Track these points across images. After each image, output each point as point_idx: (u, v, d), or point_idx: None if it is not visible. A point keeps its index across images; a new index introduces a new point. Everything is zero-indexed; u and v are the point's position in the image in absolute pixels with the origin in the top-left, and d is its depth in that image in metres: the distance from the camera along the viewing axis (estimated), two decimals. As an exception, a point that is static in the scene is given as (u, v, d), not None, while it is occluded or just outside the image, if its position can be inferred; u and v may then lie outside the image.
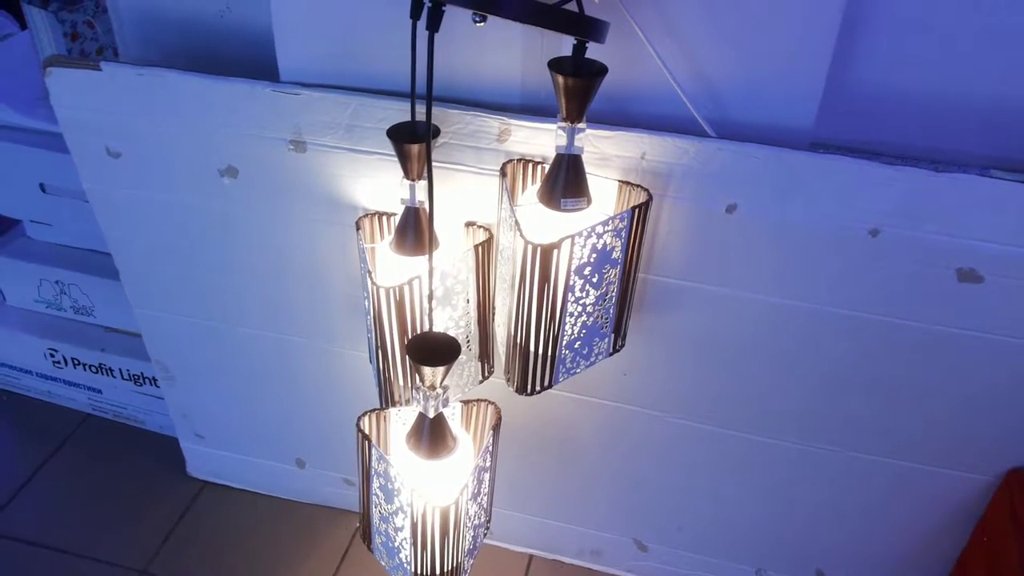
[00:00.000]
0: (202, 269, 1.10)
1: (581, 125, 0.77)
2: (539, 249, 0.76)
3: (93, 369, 1.43)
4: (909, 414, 0.98)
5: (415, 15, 0.77)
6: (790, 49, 0.81)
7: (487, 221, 0.94)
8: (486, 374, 1.01)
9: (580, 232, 0.78)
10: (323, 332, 1.12)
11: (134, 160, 1.01)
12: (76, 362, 1.43)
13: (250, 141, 0.95)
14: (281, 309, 1.11)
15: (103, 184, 1.04)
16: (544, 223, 0.81)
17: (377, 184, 0.95)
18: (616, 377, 1.04)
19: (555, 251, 0.77)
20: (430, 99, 0.72)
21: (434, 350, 0.82)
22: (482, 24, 0.71)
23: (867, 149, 0.93)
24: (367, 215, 0.95)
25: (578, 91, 0.75)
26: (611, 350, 0.93)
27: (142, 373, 1.41)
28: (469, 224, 0.94)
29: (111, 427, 1.49)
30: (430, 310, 0.82)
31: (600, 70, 0.75)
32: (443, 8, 0.66)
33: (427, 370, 0.82)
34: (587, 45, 0.74)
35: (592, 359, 0.91)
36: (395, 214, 0.96)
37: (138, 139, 0.99)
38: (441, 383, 0.84)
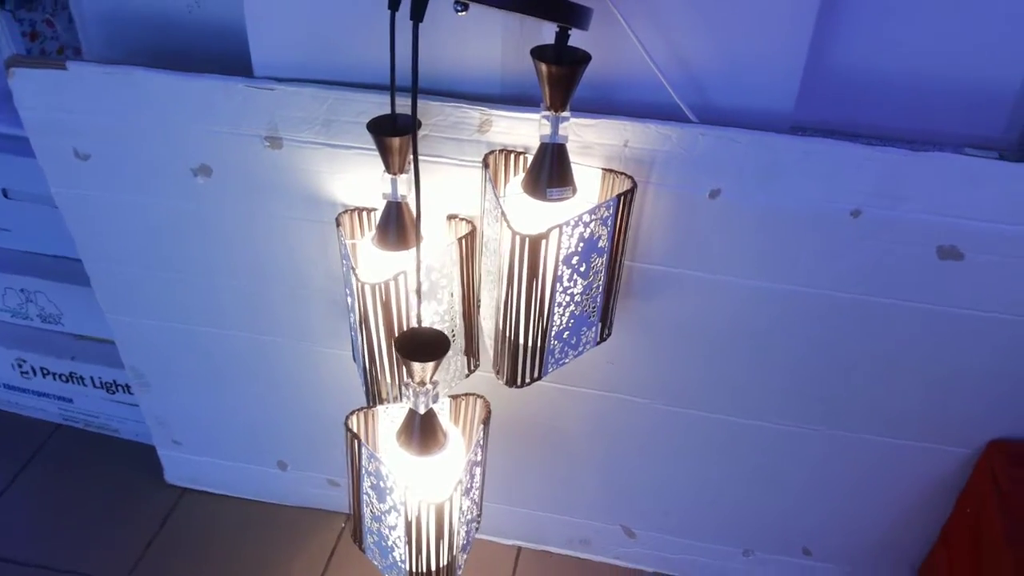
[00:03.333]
0: (177, 271, 1.07)
1: (565, 114, 0.77)
2: (527, 240, 0.76)
3: (63, 378, 1.40)
4: (891, 391, 0.99)
5: (393, 6, 0.76)
6: (770, 32, 0.81)
7: (469, 213, 0.93)
8: (472, 368, 1.01)
9: (567, 221, 0.78)
10: (303, 331, 1.11)
11: (104, 162, 0.98)
12: (45, 372, 1.40)
13: (224, 139, 0.93)
14: (260, 309, 1.09)
15: (72, 188, 1.01)
16: (530, 213, 0.81)
17: (356, 179, 0.93)
18: (601, 366, 1.04)
19: (543, 241, 0.77)
20: (415, 91, 0.71)
21: (423, 345, 0.81)
22: (463, 13, 0.70)
23: (845, 131, 0.94)
24: (347, 211, 0.93)
25: (562, 79, 0.74)
26: (598, 339, 0.93)
27: (114, 380, 1.38)
28: (451, 217, 0.94)
29: (83, 437, 1.46)
30: (418, 305, 0.81)
31: (583, 58, 0.74)
32: (427, -2, 0.65)
33: (416, 366, 0.81)
34: (569, 33, 0.74)
35: (580, 349, 0.91)
36: (375, 209, 0.95)
37: (107, 140, 0.96)
38: (431, 379, 0.83)
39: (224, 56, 0.99)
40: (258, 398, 1.21)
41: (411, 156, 0.83)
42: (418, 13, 0.65)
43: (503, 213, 0.78)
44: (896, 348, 0.94)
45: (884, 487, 1.09)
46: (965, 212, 0.83)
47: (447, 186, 0.91)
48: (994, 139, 0.94)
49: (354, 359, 1.03)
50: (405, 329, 0.88)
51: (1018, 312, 0.88)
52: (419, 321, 0.83)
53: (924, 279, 0.88)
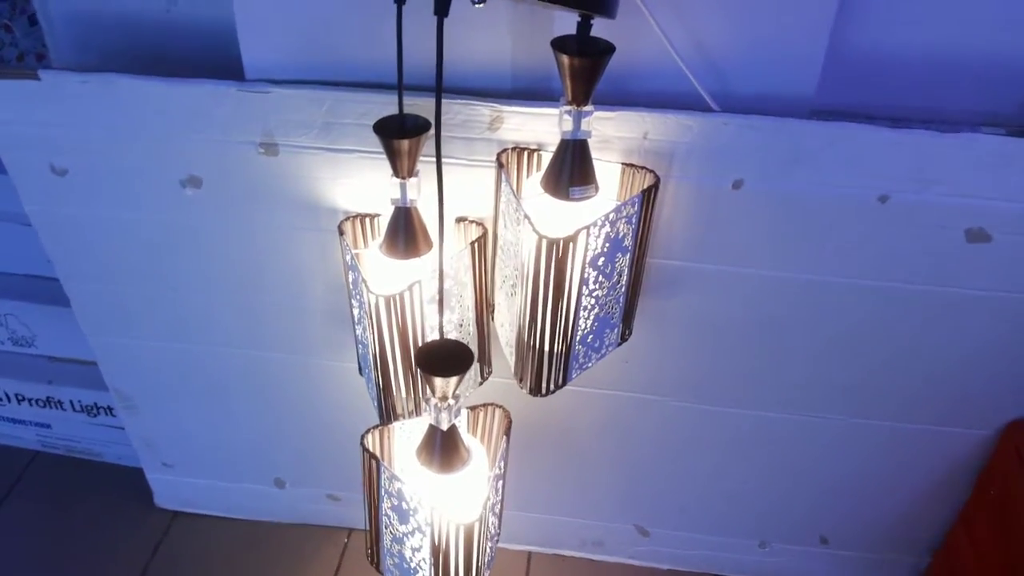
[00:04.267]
0: (165, 288, 1.01)
1: (588, 108, 0.73)
2: (557, 243, 0.72)
3: (40, 403, 1.33)
4: (911, 376, 0.97)
5: (400, -1, 0.72)
6: (793, 14, 0.77)
7: (479, 215, 0.89)
8: (485, 376, 0.97)
9: (594, 222, 0.74)
10: (301, 344, 1.05)
11: (83, 176, 0.92)
12: (21, 397, 1.32)
13: (215, 147, 0.87)
14: (255, 324, 1.04)
15: (48, 205, 0.95)
16: (551, 214, 0.77)
17: (359, 184, 0.88)
18: (617, 365, 1.00)
19: (570, 244, 0.73)
20: (439, 91, 0.66)
21: (445, 359, 0.77)
22: (481, 6, 0.65)
23: (858, 113, 0.91)
24: (349, 218, 0.88)
25: (585, 71, 0.70)
26: (619, 340, 0.89)
27: (95, 403, 1.31)
28: (460, 220, 0.89)
29: (65, 463, 1.39)
30: (440, 316, 0.77)
31: (607, 48, 0.70)
32: (452, -10, 0.60)
33: (439, 381, 0.77)
34: (592, 22, 0.69)
35: (603, 351, 0.88)
36: (379, 215, 0.90)
37: (86, 153, 0.90)
38: (453, 393, 0.79)
39: (206, 58, 0.93)
40: (253, 415, 1.16)
41: (420, 158, 0.79)
42: (443, 8, 0.60)
43: (526, 215, 0.74)
44: (919, 333, 0.92)
45: (902, 472, 1.08)
46: (994, 193, 0.81)
47: (457, 188, 0.87)
48: (1006, 116, 0.92)
49: (361, 373, 0.99)
50: (420, 341, 0.83)
51: (1045, 292, 0.87)
52: (441, 333, 0.79)
53: (952, 263, 0.86)
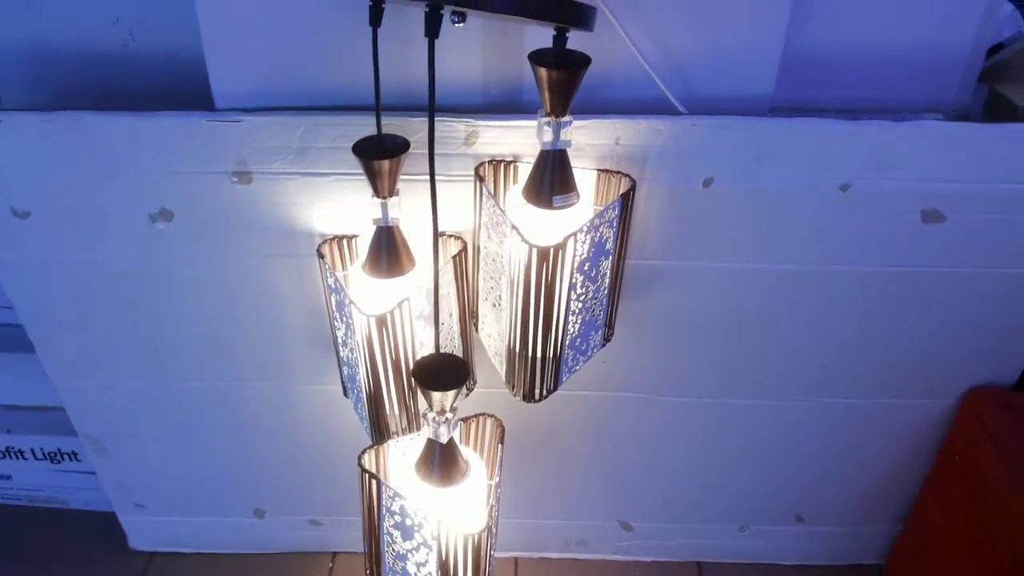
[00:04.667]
0: (135, 326, 0.99)
1: (566, 118, 0.75)
2: (548, 251, 0.73)
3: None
4: (875, 354, 1.02)
5: (375, 22, 0.72)
6: (749, 19, 0.81)
7: (457, 229, 0.90)
8: (470, 388, 0.98)
9: (580, 228, 0.76)
10: (278, 371, 1.05)
11: (46, 218, 0.89)
12: (-22, 450, 1.28)
13: (186, 179, 0.86)
14: (230, 355, 1.02)
15: (9, 250, 0.92)
16: (536, 223, 0.78)
17: (334, 207, 0.88)
18: (596, 366, 1.02)
19: (561, 251, 0.74)
20: (432, 110, 0.67)
21: (443, 373, 0.78)
22: (461, 24, 0.67)
23: (812, 108, 0.95)
24: (327, 240, 0.88)
25: (563, 84, 0.72)
26: (603, 342, 0.92)
27: (59, 449, 1.27)
28: (440, 235, 0.90)
29: (28, 514, 1.34)
30: (435, 330, 0.78)
31: (584, 60, 0.72)
32: (441, 11, 0.61)
33: (437, 395, 0.78)
34: (567, 35, 0.71)
35: (589, 354, 0.90)
36: (357, 235, 0.90)
37: (49, 194, 0.87)
38: (451, 406, 0.80)
39: (165, 91, 0.92)
40: (230, 447, 1.14)
41: (401, 177, 0.80)
42: (434, 29, 0.61)
43: (513, 226, 0.75)
44: (883, 313, 0.97)
45: (870, 446, 1.13)
46: (945, 175, 0.86)
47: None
48: (947, 104, 0.97)
49: (346, 394, 0.98)
50: (411, 358, 0.84)
51: (996, 265, 0.92)
52: (437, 347, 0.79)
53: (910, 243, 0.91)
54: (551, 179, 0.77)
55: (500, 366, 0.88)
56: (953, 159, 0.85)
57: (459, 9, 0.63)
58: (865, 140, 0.84)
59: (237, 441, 1.13)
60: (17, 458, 1.28)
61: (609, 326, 0.91)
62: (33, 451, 1.27)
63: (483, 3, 0.60)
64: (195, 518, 1.24)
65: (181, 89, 0.90)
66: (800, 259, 0.92)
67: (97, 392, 1.07)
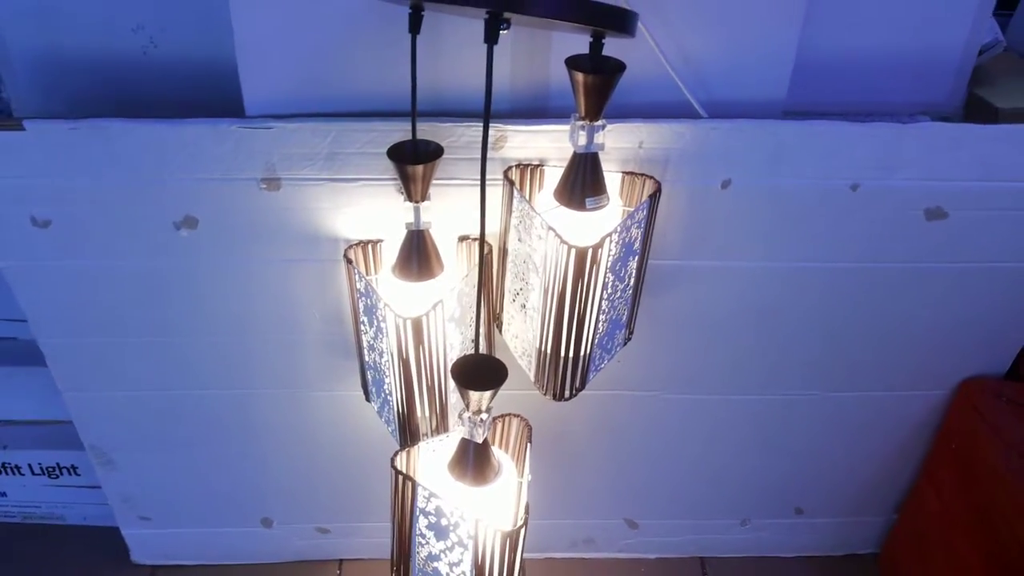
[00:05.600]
0: (150, 335, 0.99)
1: (600, 122, 0.77)
2: (587, 252, 0.75)
3: (-6, 471, 1.25)
4: (877, 348, 1.06)
5: (414, 29, 0.74)
6: (766, 25, 0.84)
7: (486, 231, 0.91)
8: (492, 388, 0.99)
9: (615, 228, 0.78)
10: (291, 378, 1.05)
11: (67, 227, 0.89)
12: (-27, 467, 1.25)
13: (213, 186, 0.86)
14: (245, 362, 1.02)
15: (26, 259, 0.91)
16: (568, 225, 0.80)
17: (360, 212, 0.89)
18: (611, 366, 1.05)
19: (599, 251, 0.76)
20: (488, 112, 0.68)
21: (480, 373, 0.79)
22: (507, 31, 0.68)
23: (818, 112, 0.99)
24: (354, 245, 0.89)
25: (598, 88, 0.75)
26: (625, 341, 0.94)
27: (57, 463, 1.25)
28: (463, 238, 0.91)
29: (24, 531, 1.31)
30: (476, 330, 0.79)
31: (619, 66, 0.75)
32: (501, 21, 0.63)
33: (474, 395, 0.79)
34: (604, 41, 0.74)
35: (613, 352, 0.92)
36: (382, 240, 0.91)
37: (72, 203, 0.87)
38: (487, 407, 0.81)
39: (186, 100, 0.92)
40: (239, 456, 1.14)
41: (432, 182, 0.81)
42: (494, 36, 0.63)
43: (550, 227, 0.77)
44: (885, 308, 1.01)
45: (868, 438, 1.17)
46: (948, 174, 0.90)
47: (462, 208, 0.89)
48: (940, 105, 1.02)
49: (368, 399, 0.99)
50: (444, 360, 0.85)
51: (994, 260, 0.96)
52: (476, 348, 0.81)
53: (913, 240, 0.95)
54: (583, 181, 0.80)
55: (528, 367, 0.90)
56: (956, 158, 0.89)
57: (509, 15, 0.64)
58: (875, 141, 0.88)
59: (247, 449, 1.13)
60: (13, 474, 1.25)
61: (630, 326, 0.93)
62: (31, 466, 1.25)
63: (540, 9, 0.61)
64: (200, 529, 1.23)
65: (202, 97, 0.91)
66: (809, 257, 0.96)
67: (106, 403, 1.05)
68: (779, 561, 1.32)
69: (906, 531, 1.24)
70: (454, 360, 0.81)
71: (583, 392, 1.07)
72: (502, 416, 0.93)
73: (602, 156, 0.86)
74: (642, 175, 0.86)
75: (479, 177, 0.85)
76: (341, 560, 1.29)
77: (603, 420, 1.12)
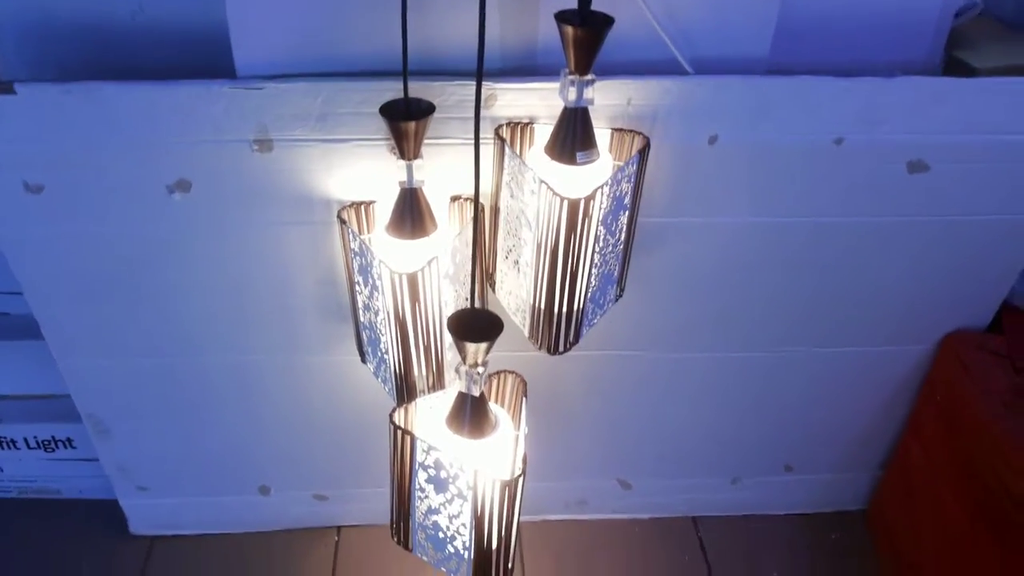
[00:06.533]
0: (145, 301, 0.99)
1: (589, 77, 0.78)
2: (579, 203, 0.77)
3: (-10, 446, 1.26)
4: (860, 302, 1.08)
5: (406, -15, 0.75)
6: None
7: (472, 192, 0.92)
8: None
9: (606, 181, 0.79)
10: (287, 343, 1.06)
11: (60, 192, 0.89)
12: (-32, 442, 1.25)
13: (205, 148, 0.87)
14: (240, 327, 1.03)
15: (18, 227, 0.91)
16: (560, 179, 0.82)
17: (353, 173, 0.90)
18: (600, 325, 1.06)
19: (590, 203, 0.78)
20: (480, 72, 0.70)
21: (476, 326, 0.80)
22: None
23: (799, 70, 1.00)
24: (347, 206, 0.90)
25: (587, 42, 0.76)
26: (616, 297, 0.95)
27: (53, 436, 1.26)
28: (455, 198, 0.93)
29: (20, 506, 1.32)
30: (472, 284, 0.80)
31: (608, 19, 0.76)
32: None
33: (471, 347, 0.80)
34: (591, -5, 0.75)
35: (605, 308, 0.93)
36: (374, 202, 0.92)
37: (65, 167, 0.87)
38: (483, 360, 0.82)
39: (176, 65, 0.92)
40: (236, 423, 1.15)
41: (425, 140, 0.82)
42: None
43: (542, 181, 0.78)
44: (870, 262, 1.03)
45: (854, 394, 1.19)
46: (930, 127, 0.92)
47: (453, 167, 0.90)
48: (919, 64, 1.03)
49: (364, 361, 1.00)
50: (439, 316, 0.86)
51: (974, 212, 0.99)
52: (472, 302, 0.82)
53: (895, 194, 0.96)
54: (574, 136, 0.81)
55: (523, 323, 0.91)
56: (939, 112, 0.91)
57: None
58: (858, 95, 0.89)
59: (244, 416, 1.14)
60: (9, 448, 1.26)
61: (621, 283, 0.95)
62: (26, 440, 1.25)
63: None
64: (198, 498, 1.24)
65: (192, 63, 0.91)
66: (794, 212, 0.98)
67: (101, 371, 1.06)
68: (770, 519, 1.34)
69: (893, 486, 1.27)
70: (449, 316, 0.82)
71: (573, 353, 1.08)
72: (497, 373, 0.94)
73: (591, 114, 0.87)
74: (631, 131, 0.87)
75: (472, 135, 0.87)
76: (339, 527, 1.30)
77: (593, 381, 1.13)
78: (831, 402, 1.20)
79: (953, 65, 1.06)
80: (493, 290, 0.96)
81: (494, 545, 0.89)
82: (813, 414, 1.21)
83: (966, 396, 1.06)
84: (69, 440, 1.26)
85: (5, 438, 1.25)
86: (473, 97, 0.84)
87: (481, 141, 0.87)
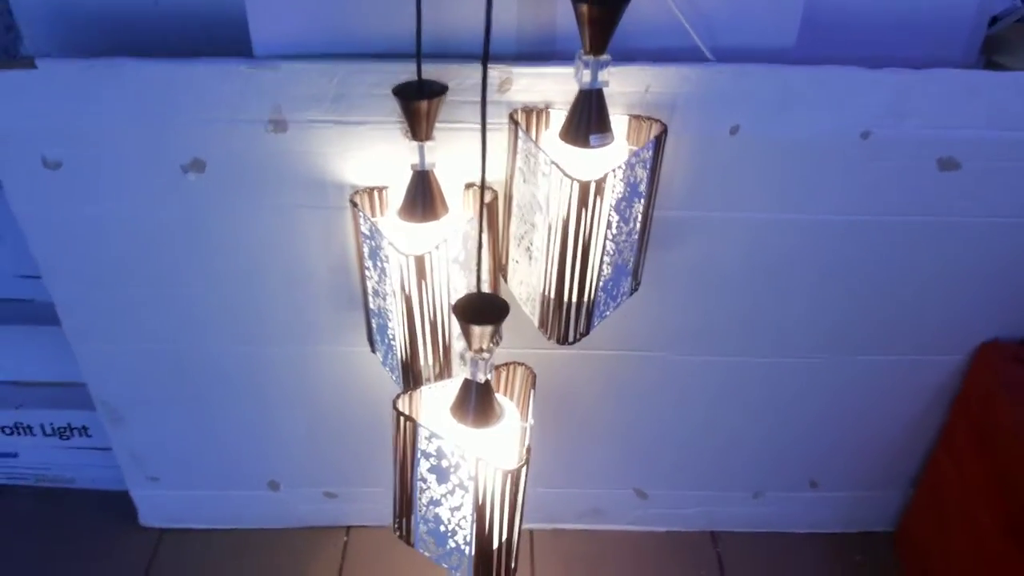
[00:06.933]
0: (159, 285, 0.99)
1: (605, 57, 0.76)
2: (589, 185, 0.75)
3: (7, 431, 1.26)
4: (889, 308, 1.04)
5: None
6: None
7: (488, 180, 0.91)
8: (497, 340, 0.98)
9: (619, 164, 0.77)
10: (299, 332, 1.05)
11: (78, 168, 0.90)
12: (-16, 427, 1.26)
13: (220, 128, 0.87)
14: (252, 314, 1.03)
15: (38, 204, 0.92)
16: (573, 163, 0.80)
17: (367, 156, 0.90)
18: (616, 324, 1.04)
19: (602, 185, 0.76)
20: (487, 52, 0.69)
21: (482, 310, 0.79)
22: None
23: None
24: (359, 191, 0.89)
25: (602, 20, 0.74)
26: (631, 290, 0.93)
27: (69, 424, 1.26)
28: (469, 185, 0.91)
29: (34, 493, 1.32)
30: (477, 268, 0.79)
31: (624, -3, 0.74)
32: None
33: (476, 331, 0.78)
34: (607, -27, 0.73)
35: (618, 300, 0.91)
36: (387, 187, 0.91)
37: (83, 143, 0.88)
38: (488, 345, 0.80)
39: (198, 50, 0.92)
40: (248, 415, 1.14)
41: (437, 125, 0.81)
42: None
43: (553, 162, 0.77)
44: (899, 264, 0.99)
45: (883, 406, 1.15)
46: (961, 122, 0.89)
47: (468, 153, 0.89)
48: (954, 61, 1.00)
49: (373, 350, 0.99)
50: (444, 300, 0.85)
51: (1009, 215, 0.95)
52: (478, 287, 0.80)
53: (926, 192, 0.93)
54: (588, 119, 0.79)
55: (533, 312, 0.89)
56: (970, 107, 0.88)
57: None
58: (885, 87, 0.87)
59: (254, 407, 1.13)
60: (25, 434, 1.26)
61: (636, 275, 0.92)
62: (43, 427, 1.26)
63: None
64: (208, 491, 1.23)
65: (213, 48, 0.91)
66: (820, 209, 0.95)
67: (116, 356, 1.06)
68: (792, 537, 1.29)
69: (923, 505, 1.22)
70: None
71: (586, 351, 1.07)
72: (506, 364, 0.92)
73: (609, 101, 0.86)
74: (649, 118, 0.85)
75: (487, 120, 0.86)
76: (348, 527, 1.28)
77: (608, 382, 1.11)
78: (859, 414, 1.15)
79: (992, 69, 1.02)
80: (505, 280, 0.95)
81: (496, 541, 0.86)
82: (840, 426, 1.17)
83: (1001, 409, 1.01)
84: (84, 428, 1.26)
85: (22, 424, 1.26)
86: (489, 81, 0.84)
87: (496, 127, 0.86)
